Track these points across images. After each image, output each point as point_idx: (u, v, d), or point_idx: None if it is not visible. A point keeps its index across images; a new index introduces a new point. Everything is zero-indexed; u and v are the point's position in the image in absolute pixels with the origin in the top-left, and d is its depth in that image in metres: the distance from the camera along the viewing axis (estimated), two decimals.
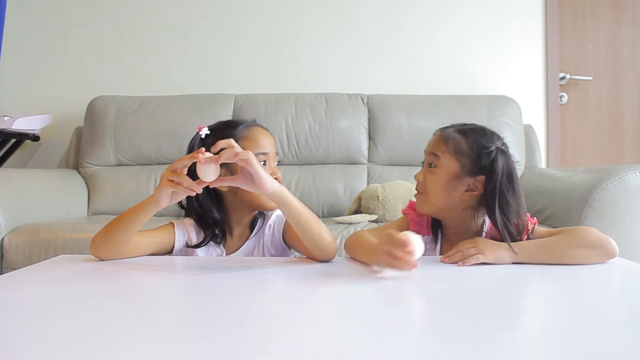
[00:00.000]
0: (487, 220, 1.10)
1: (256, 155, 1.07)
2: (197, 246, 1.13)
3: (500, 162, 1.04)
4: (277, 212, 1.19)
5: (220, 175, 0.93)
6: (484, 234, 1.09)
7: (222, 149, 0.91)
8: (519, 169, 2.35)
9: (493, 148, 1.06)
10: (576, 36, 2.75)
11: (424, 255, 0.89)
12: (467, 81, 2.60)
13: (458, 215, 1.09)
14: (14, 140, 2.49)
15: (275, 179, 1.07)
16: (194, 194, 0.94)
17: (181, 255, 1.14)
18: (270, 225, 1.17)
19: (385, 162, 2.40)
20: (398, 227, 1.13)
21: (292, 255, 1.20)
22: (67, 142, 2.57)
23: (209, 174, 0.90)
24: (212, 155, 0.91)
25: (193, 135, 1.15)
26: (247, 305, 0.74)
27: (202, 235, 1.14)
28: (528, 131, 2.48)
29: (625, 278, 0.93)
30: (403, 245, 0.85)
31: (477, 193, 1.06)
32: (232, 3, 2.67)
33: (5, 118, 2.37)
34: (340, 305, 0.76)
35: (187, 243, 1.14)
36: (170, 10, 2.68)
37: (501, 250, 0.97)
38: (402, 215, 1.20)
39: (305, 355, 0.54)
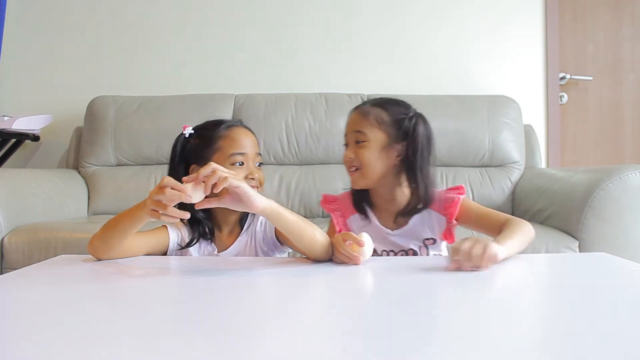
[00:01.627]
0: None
1: (233, 155, 1.13)
2: (187, 246, 1.15)
3: (421, 127, 1.15)
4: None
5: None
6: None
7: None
8: (519, 169, 2.36)
9: (412, 114, 1.16)
10: (576, 36, 2.75)
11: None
12: (467, 81, 2.60)
13: (391, 181, 1.16)
14: (14, 140, 2.49)
15: (252, 179, 1.12)
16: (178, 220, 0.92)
17: (176, 254, 1.15)
18: (261, 222, 1.19)
19: None
20: (331, 225, 1.23)
21: (285, 252, 1.21)
22: (67, 142, 2.57)
23: (196, 196, 0.89)
24: (197, 176, 0.89)
25: (177, 135, 1.20)
26: (241, 305, 0.74)
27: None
28: (528, 131, 2.48)
29: (625, 278, 0.93)
30: (358, 243, 0.97)
31: (400, 158, 1.15)
32: (232, 3, 2.67)
33: (5, 118, 2.37)
34: (336, 304, 0.76)
35: (179, 244, 1.16)
36: (171, 11, 2.68)
37: (496, 246, 0.95)
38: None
39: (299, 355, 0.54)
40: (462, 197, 1.17)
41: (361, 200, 1.22)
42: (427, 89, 2.54)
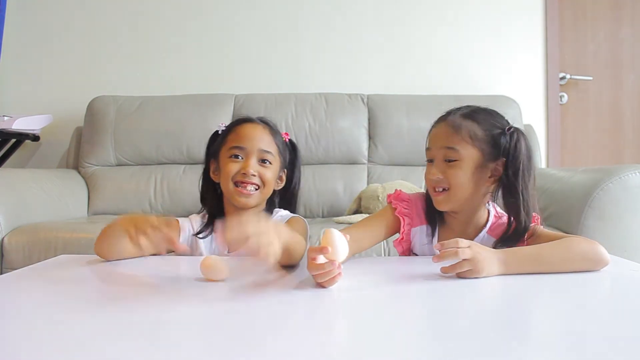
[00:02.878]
0: (492, 213, 1.08)
1: (232, 148, 1.13)
2: (199, 233, 1.15)
3: (522, 143, 1.01)
4: (281, 213, 1.20)
5: None
6: (487, 227, 1.07)
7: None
8: None
9: (510, 128, 1.02)
10: (576, 36, 2.75)
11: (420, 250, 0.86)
12: (467, 81, 2.60)
13: (477, 203, 1.05)
14: (14, 140, 2.49)
15: (244, 174, 1.10)
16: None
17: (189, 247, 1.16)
18: None
19: (385, 162, 2.40)
20: (383, 217, 1.11)
21: None
22: (67, 142, 2.57)
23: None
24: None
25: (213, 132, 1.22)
26: (242, 306, 0.74)
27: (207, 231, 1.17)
28: (528, 131, 2.48)
29: (625, 278, 0.93)
30: (321, 250, 0.78)
31: (498, 177, 1.02)
32: (232, 3, 2.67)
33: (5, 118, 2.37)
34: (336, 308, 0.76)
35: (193, 234, 1.17)
36: (171, 11, 2.68)
37: (493, 264, 0.88)
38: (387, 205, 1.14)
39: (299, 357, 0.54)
40: (533, 225, 1.02)
41: (433, 213, 1.08)
42: (427, 89, 2.54)
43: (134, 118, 2.41)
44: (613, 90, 2.78)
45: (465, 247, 0.85)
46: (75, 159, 2.49)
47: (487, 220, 1.08)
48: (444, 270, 0.87)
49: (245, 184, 1.11)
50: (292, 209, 1.23)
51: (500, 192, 1.03)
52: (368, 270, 0.99)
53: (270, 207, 1.21)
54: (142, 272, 0.97)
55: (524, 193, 0.99)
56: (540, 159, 2.49)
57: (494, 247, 0.96)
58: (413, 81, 2.61)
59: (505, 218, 1.05)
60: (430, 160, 1.05)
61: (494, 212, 1.09)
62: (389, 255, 1.61)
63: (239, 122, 1.18)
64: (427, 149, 1.06)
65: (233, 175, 1.11)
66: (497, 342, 0.58)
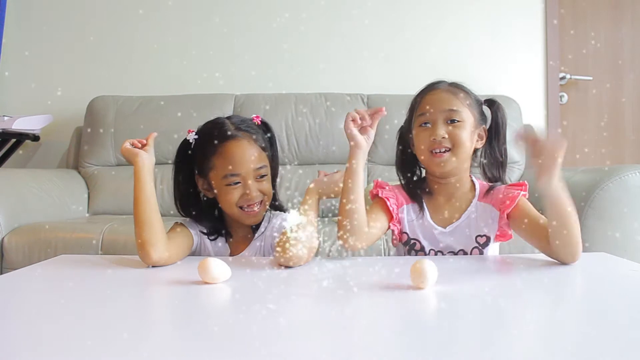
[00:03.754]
0: (477, 182, 1.15)
1: (226, 177, 1.11)
2: (209, 234, 1.17)
3: (502, 111, 1.14)
4: (283, 216, 1.20)
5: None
6: (476, 195, 1.13)
7: None
8: (519, 169, 2.36)
9: (490, 99, 1.16)
10: (576, 36, 2.75)
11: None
12: (467, 81, 2.58)
13: (464, 169, 1.13)
14: (14, 140, 2.49)
15: (246, 193, 1.10)
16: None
17: (197, 250, 1.17)
18: (273, 227, 1.19)
19: (385, 162, 2.40)
20: (375, 212, 1.13)
21: None
22: (67, 142, 2.57)
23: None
24: None
25: (183, 138, 1.23)
26: (242, 308, 0.74)
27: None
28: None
29: (625, 278, 0.93)
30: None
31: (483, 142, 1.12)
32: (232, 3, 2.67)
33: (5, 118, 2.37)
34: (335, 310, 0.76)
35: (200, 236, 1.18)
36: (171, 11, 2.68)
37: (556, 178, 0.99)
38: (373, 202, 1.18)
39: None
40: (522, 193, 1.10)
41: (417, 188, 1.14)
42: None
43: (134, 118, 2.41)
44: (613, 90, 2.78)
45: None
46: (75, 159, 2.49)
47: (474, 188, 1.14)
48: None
49: (251, 206, 1.12)
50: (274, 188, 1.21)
51: (481, 157, 1.14)
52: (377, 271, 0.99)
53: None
54: (142, 272, 0.97)
55: (503, 153, 1.12)
56: None
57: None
58: (413, 81, 2.59)
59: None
60: (425, 124, 1.10)
61: (478, 181, 1.16)
62: (388, 254, 1.61)
63: (221, 141, 1.12)
64: (421, 114, 1.10)
65: (236, 202, 1.12)
66: (493, 341, 0.58)
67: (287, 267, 0.98)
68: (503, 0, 2.64)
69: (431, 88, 1.15)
